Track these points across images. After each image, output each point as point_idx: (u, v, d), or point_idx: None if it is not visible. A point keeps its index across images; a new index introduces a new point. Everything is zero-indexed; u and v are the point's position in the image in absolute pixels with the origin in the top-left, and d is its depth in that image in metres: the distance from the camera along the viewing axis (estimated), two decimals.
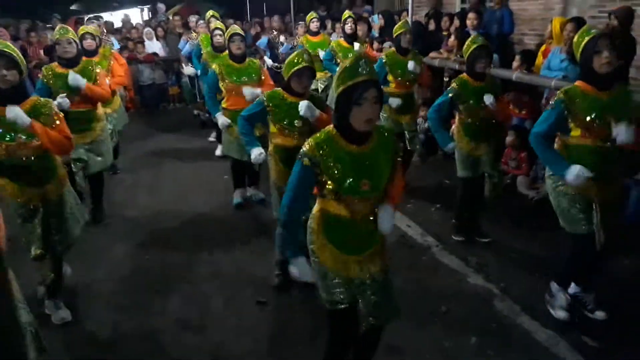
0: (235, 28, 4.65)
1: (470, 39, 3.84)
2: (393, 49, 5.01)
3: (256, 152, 3.36)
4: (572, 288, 3.15)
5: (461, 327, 3.06)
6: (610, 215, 2.86)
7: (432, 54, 6.49)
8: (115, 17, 11.94)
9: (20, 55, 2.96)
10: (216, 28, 5.75)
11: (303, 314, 3.25)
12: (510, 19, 6.40)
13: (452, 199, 4.39)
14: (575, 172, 2.68)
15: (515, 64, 5.18)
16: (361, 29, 7.18)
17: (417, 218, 4.52)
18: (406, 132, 4.99)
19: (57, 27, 4.41)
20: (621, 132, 2.64)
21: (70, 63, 4.15)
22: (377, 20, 8.40)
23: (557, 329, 2.98)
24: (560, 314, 3.08)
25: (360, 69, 1.95)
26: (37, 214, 3.05)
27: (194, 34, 7.95)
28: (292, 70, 3.15)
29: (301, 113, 3.14)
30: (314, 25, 6.76)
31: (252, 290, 3.55)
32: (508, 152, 5.19)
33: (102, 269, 3.87)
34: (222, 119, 4.53)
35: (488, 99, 3.65)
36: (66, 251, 3.26)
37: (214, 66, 4.69)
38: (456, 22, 6.50)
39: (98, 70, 4.33)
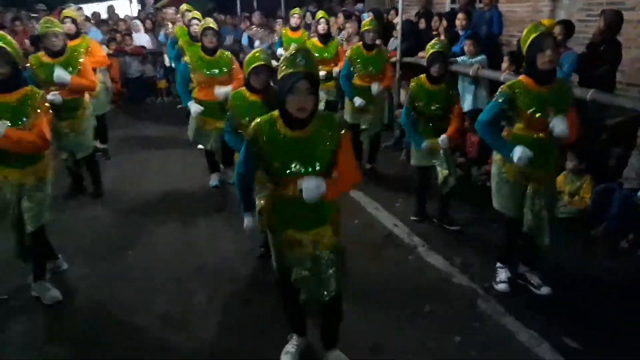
0: (209, 22, 4.72)
1: (430, 43, 4.09)
2: (359, 43, 5.29)
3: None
4: (520, 268, 3.50)
5: (445, 327, 3.07)
6: (542, 202, 3.15)
7: (421, 54, 6.49)
8: (102, 8, 11.75)
9: (15, 47, 3.02)
10: (193, 18, 5.88)
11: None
12: (499, 20, 6.43)
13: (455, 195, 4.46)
14: (518, 152, 2.95)
15: (504, 65, 5.21)
16: (351, 27, 7.19)
17: (405, 218, 4.53)
18: (361, 123, 5.35)
19: (42, 20, 4.46)
20: (557, 124, 2.91)
21: (57, 53, 4.28)
22: (366, 18, 8.38)
23: (540, 330, 2.99)
24: (500, 286, 3.41)
25: (297, 61, 2.11)
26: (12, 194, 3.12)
27: (170, 26, 7.97)
28: (249, 68, 3.29)
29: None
30: (293, 21, 6.84)
31: (236, 287, 3.53)
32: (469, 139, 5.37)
33: (84, 265, 3.82)
34: (194, 107, 4.71)
35: (443, 140, 4.01)
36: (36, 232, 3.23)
37: (185, 58, 4.84)
38: (444, 23, 6.51)
39: (82, 60, 4.43)
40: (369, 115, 5.31)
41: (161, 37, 8.63)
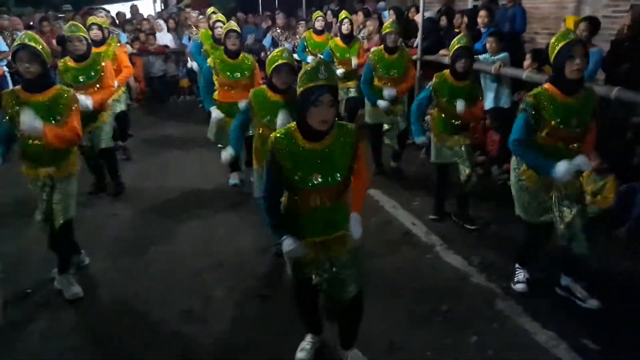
0: (232, 24, 4.73)
1: (456, 38, 4.02)
2: (381, 47, 5.17)
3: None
4: (564, 279, 3.31)
5: (462, 326, 3.06)
6: (573, 210, 3.04)
7: (442, 52, 6.44)
8: (127, 8, 11.95)
9: (44, 46, 3.12)
10: (217, 21, 5.88)
11: None
12: (522, 17, 6.33)
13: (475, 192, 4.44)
14: (563, 169, 2.79)
15: (526, 62, 5.11)
16: (372, 24, 7.17)
17: (423, 216, 4.51)
18: (386, 126, 5.30)
19: (68, 24, 4.67)
20: (583, 164, 2.82)
21: (80, 57, 4.46)
22: (387, 16, 8.35)
23: (558, 330, 2.96)
24: (518, 286, 3.36)
25: (319, 74, 2.12)
26: (45, 187, 3.26)
27: (194, 29, 8.02)
28: (272, 67, 3.27)
29: (278, 125, 3.23)
30: (318, 24, 6.77)
31: (254, 282, 3.57)
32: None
33: (106, 258, 3.92)
34: (215, 113, 4.73)
35: (460, 104, 3.91)
36: (64, 224, 3.33)
37: (209, 61, 4.85)
38: (465, 20, 6.44)
39: (104, 64, 4.59)
40: (391, 116, 5.23)
41: (184, 39, 8.74)
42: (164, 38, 9.59)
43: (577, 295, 3.22)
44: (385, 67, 5.06)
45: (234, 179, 5.34)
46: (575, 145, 2.95)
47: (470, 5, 8.56)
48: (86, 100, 4.26)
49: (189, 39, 8.19)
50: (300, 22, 8.87)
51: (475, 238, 4.13)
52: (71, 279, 3.46)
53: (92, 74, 4.51)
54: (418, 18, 6.61)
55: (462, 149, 4.09)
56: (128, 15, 11.28)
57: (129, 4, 12.78)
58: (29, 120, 2.96)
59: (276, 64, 3.24)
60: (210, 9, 7.15)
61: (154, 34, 9.45)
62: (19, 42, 3.02)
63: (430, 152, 4.38)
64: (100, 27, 5.38)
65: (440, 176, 4.39)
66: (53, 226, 3.31)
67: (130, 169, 5.86)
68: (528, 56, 5.15)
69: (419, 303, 3.28)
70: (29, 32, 3.32)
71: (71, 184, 3.36)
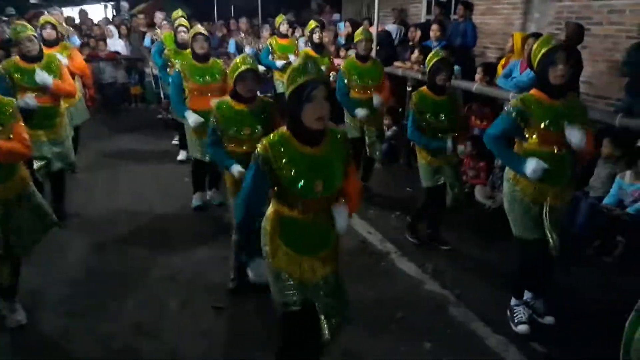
0: (199, 28, 4.59)
1: (432, 52, 3.94)
2: (353, 55, 5.10)
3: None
4: (525, 294, 3.24)
5: (417, 333, 3.10)
6: (559, 220, 2.98)
7: (397, 64, 6.59)
8: (76, 13, 11.59)
9: None
10: (180, 25, 5.72)
11: (260, 320, 3.22)
12: (473, 32, 6.57)
13: (412, 207, 4.47)
14: (532, 165, 2.75)
15: (477, 76, 5.31)
16: (327, 36, 7.25)
17: (378, 225, 4.57)
18: (367, 137, 5.03)
19: (14, 25, 4.34)
20: (574, 135, 2.72)
21: (34, 59, 4.12)
22: (343, 28, 8.48)
23: (507, 335, 3.05)
24: (520, 328, 3.10)
25: (309, 68, 2.01)
26: None
27: (158, 31, 7.84)
28: (235, 75, 3.14)
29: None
30: (283, 28, 6.80)
31: (208, 294, 3.50)
32: (467, 162, 5.31)
33: (55, 272, 3.75)
34: (192, 117, 4.32)
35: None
36: (27, 253, 3.15)
37: (177, 66, 4.65)
38: (418, 33, 6.62)
39: (61, 63, 4.32)
40: (372, 128, 5.01)
41: (146, 41, 8.46)
42: (115, 44, 9.35)
43: (535, 310, 3.20)
44: (359, 75, 4.87)
45: (197, 200, 4.97)
46: (563, 149, 2.85)
47: (423, 19, 8.79)
48: (46, 77, 4.02)
49: (152, 41, 7.94)
50: (265, 25, 8.85)
51: (429, 246, 4.20)
52: (16, 305, 3.18)
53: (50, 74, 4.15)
54: (373, 30, 6.73)
55: (450, 168, 3.96)
56: (77, 21, 10.95)
57: (78, 8, 12.41)
58: None
59: (239, 70, 3.12)
60: (178, 12, 6.99)
61: (104, 40, 9.21)
62: None
63: (420, 173, 4.09)
64: (53, 27, 5.16)
65: (428, 199, 4.12)
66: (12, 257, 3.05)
67: (77, 185, 5.50)
68: (479, 70, 5.35)
69: (374, 310, 3.31)
70: None
71: (28, 202, 3.06)
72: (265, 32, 8.33)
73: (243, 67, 3.12)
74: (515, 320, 3.14)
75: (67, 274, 3.74)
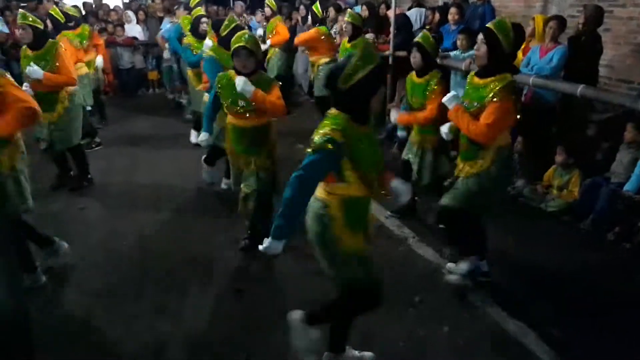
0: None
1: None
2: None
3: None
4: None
5: (434, 317, 3.12)
6: None
7: None
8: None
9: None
10: (202, 15, 5.83)
11: (279, 304, 3.26)
12: (492, 15, 6.44)
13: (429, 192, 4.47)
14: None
15: None
16: (342, 20, 7.18)
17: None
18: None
19: (21, 12, 4.51)
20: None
21: (34, 45, 4.38)
22: (359, 11, 8.39)
23: (527, 320, 3.05)
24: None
25: (375, 54, 2.20)
26: None
27: (174, 18, 7.89)
28: (231, 51, 3.39)
29: (238, 89, 3.32)
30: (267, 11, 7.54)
31: (228, 277, 3.56)
32: None
33: (76, 254, 3.82)
34: (208, 43, 5.06)
35: (393, 114, 4.16)
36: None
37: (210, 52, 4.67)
38: (437, 16, 6.53)
39: (60, 52, 4.41)
40: None
41: (165, 24, 8.48)
42: (133, 30, 9.38)
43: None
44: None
45: (207, 172, 4.99)
46: None
47: (440, 2, 8.67)
48: (36, 71, 4.21)
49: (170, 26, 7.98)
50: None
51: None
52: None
53: (42, 64, 4.34)
54: (390, 14, 6.66)
55: (418, 149, 4.02)
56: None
57: None
58: None
59: (234, 47, 3.34)
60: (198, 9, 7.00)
61: (122, 25, 9.24)
62: None
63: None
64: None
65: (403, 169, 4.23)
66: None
67: (99, 164, 5.70)
68: None
69: (392, 294, 3.30)
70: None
71: (18, 179, 3.16)
72: (260, 15, 8.88)
73: (237, 44, 3.33)
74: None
75: (88, 255, 3.82)
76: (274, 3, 7.66)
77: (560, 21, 4.89)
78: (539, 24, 5.22)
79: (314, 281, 3.45)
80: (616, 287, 3.45)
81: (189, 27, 6.05)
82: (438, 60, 5.57)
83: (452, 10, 6.08)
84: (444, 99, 3.20)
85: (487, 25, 3.01)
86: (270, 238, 2.20)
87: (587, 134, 5.05)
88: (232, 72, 3.48)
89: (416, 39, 3.94)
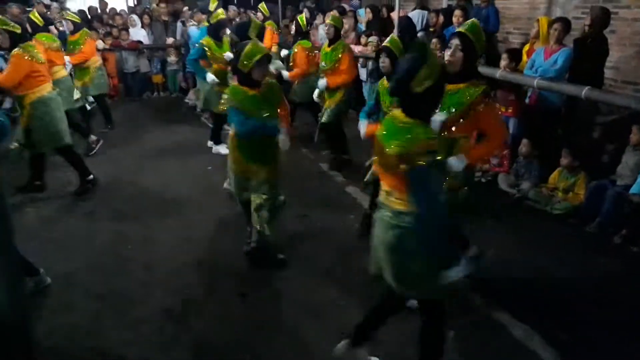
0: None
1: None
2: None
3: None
4: None
5: None
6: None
7: None
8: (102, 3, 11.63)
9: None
10: (225, 24, 6.03)
11: (284, 306, 3.28)
12: (496, 17, 6.47)
13: None
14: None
15: (503, 62, 5.20)
16: (347, 23, 7.21)
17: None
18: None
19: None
20: (450, 165, 2.79)
21: (10, 49, 4.52)
22: (363, 14, 8.42)
23: (532, 323, 3.04)
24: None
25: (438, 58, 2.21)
26: None
27: (195, 23, 8.00)
28: (254, 60, 3.25)
29: (282, 147, 3.53)
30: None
31: (233, 281, 3.56)
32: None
33: (83, 257, 3.85)
34: (210, 78, 5.59)
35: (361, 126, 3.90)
36: None
37: (203, 43, 5.61)
38: (440, 19, 6.54)
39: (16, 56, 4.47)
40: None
41: (191, 29, 8.50)
42: (138, 34, 9.43)
43: None
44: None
45: (223, 149, 5.61)
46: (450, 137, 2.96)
47: (444, 5, 8.67)
48: None
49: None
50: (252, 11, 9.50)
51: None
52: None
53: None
54: (394, 16, 6.67)
55: None
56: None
57: None
58: None
59: (259, 57, 3.25)
60: (214, 1, 7.08)
61: (127, 29, 9.29)
62: None
63: None
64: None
65: None
66: None
67: (105, 167, 5.73)
68: (504, 56, 5.24)
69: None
70: None
71: None
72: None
73: (260, 55, 3.25)
74: None
75: (95, 259, 3.84)
76: (266, 8, 7.68)
77: (565, 23, 4.89)
78: (543, 25, 5.22)
79: (318, 285, 3.47)
80: (623, 290, 3.43)
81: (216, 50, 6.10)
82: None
83: (456, 12, 6.09)
84: (454, 165, 2.83)
85: (459, 30, 2.91)
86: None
87: (593, 136, 5.03)
88: (238, 86, 3.39)
89: (384, 44, 3.91)
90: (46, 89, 4.68)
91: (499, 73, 5.08)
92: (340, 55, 5.26)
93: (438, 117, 3.23)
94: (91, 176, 5.15)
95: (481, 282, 3.47)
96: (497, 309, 3.21)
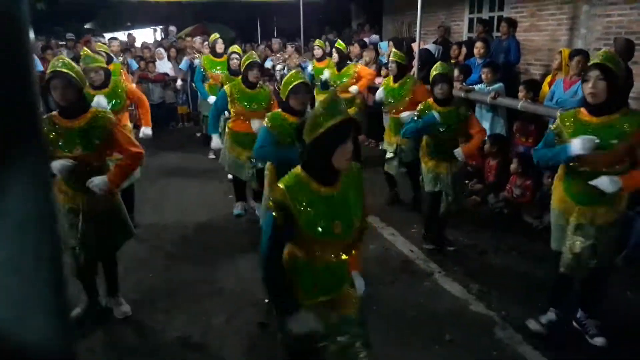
0: (254, 56, 4.80)
1: (435, 66, 4.16)
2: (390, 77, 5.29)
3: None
4: (579, 313, 3.23)
5: (463, 355, 3.06)
6: (589, 241, 2.86)
7: None
8: (131, 37, 12.11)
9: (79, 72, 3.07)
10: (233, 52, 5.94)
11: None
12: (516, 49, 6.49)
13: (455, 225, 4.45)
14: (578, 142, 2.70)
15: (520, 94, 5.23)
16: (368, 55, 7.36)
17: (420, 243, 4.53)
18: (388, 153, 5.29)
19: (83, 54, 4.63)
20: (601, 184, 2.70)
21: (100, 86, 4.45)
22: (386, 48, 8.54)
23: (557, 358, 2.96)
24: (535, 326, 3.22)
25: (340, 107, 1.94)
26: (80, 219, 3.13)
27: (196, 55, 8.16)
28: (289, 88, 3.33)
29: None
30: (317, 52, 7.11)
31: (253, 310, 3.56)
32: (513, 179, 5.22)
33: (102, 285, 3.88)
34: (215, 142, 5.05)
35: (457, 153, 4.05)
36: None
37: (225, 87, 4.86)
38: (463, 51, 6.60)
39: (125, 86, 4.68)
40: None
41: (183, 64, 8.81)
42: (164, 66, 9.72)
43: (587, 331, 3.16)
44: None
45: (238, 209, 5.31)
46: (606, 170, 2.77)
47: (465, 37, 8.76)
48: (101, 102, 4.13)
49: (191, 64, 8.26)
50: (289, 43, 9.46)
51: (473, 266, 4.15)
52: (120, 299, 3.56)
53: (116, 100, 4.49)
54: (415, 47, 6.75)
55: (448, 176, 4.12)
56: (137, 43, 11.47)
57: (127, 32, 12.99)
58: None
59: (294, 84, 3.33)
60: (215, 35, 7.33)
61: (154, 62, 9.59)
62: (51, 69, 2.96)
63: (423, 178, 4.40)
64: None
65: (430, 203, 4.34)
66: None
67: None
68: (521, 87, 5.27)
69: (418, 331, 3.28)
70: (62, 57, 3.24)
71: (116, 210, 3.30)
72: (290, 48, 9.00)
73: (296, 82, 3.32)
74: (541, 319, 3.24)
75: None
76: (323, 43, 7.46)
77: (585, 56, 4.90)
78: (565, 57, 5.22)
79: None
80: None
81: (210, 66, 6.51)
82: (463, 94, 5.64)
83: (478, 44, 6.15)
84: (608, 188, 2.70)
85: (597, 61, 2.77)
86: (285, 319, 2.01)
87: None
88: (280, 111, 3.48)
89: (440, 71, 4.04)
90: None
91: (520, 104, 5.09)
92: (410, 89, 5.09)
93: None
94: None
95: (505, 316, 3.41)
96: (520, 344, 3.14)
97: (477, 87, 5.66)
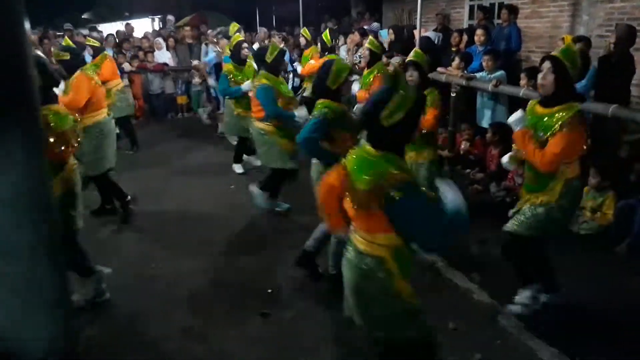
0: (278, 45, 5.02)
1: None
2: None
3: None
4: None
5: (466, 344, 3.05)
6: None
7: (440, 69, 6.52)
8: (123, 27, 12.00)
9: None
10: (242, 41, 6.00)
11: (306, 327, 3.25)
12: (517, 36, 6.44)
13: None
14: (510, 117, 3.04)
15: (521, 81, 5.19)
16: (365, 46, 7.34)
17: None
18: None
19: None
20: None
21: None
22: (386, 36, 8.47)
23: (561, 347, 2.96)
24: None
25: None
26: None
27: (217, 48, 8.14)
28: (343, 76, 3.37)
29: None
30: (302, 41, 7.79)
31: (255, 300, 3.55)
32: (513, 170, 5.19)
33: (106, 276, 3.88)
34: (247, 85, 5.39)
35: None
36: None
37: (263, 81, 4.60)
38: (464, 38, 6.55)
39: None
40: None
41: (210, 56, 8.65)
42: (163, 56, 9.65)
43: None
44: None
45: (239, 168, 6.10)
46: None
47: (465, 25, 8.69)
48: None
49: (217, 57, 8.15)
50: (274, 33, 9.85)
51: (476, 255, 4.14)
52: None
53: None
54: (416, 34, 6.69)
55: (413, 167, 3.92)
56: (135, 34, 11.38)
57: (125, 22, 12.87)
58: None
59: (348, 72, 3.42)
60: (234, 26, 7.21)
61: (152, 52, 9.52)
62: None
63: None
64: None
65: None
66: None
67: (129, 186, 5.79)
68: (523, 75, 5.22)
69: None
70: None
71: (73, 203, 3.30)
72: (276, 38, 9.15)
73: (346, 73, 3.39)
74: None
75: (116, 279, 3.85)
76: (308, 33, 7.61)
77: (587, 42, 4.86)
78: (568, 43, 5.17)
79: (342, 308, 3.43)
80: None
81: (236, 77, 6.20)
82: (464, 82, 5.59)
83: (478, 32, 6.10)
84: (510, 120, 3.05)
85: (552, 54, 2.90)
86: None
87: (620, 154, 4.94)
88: (331, 102, 3.36)
89: (409, 58, 4.01)
90: (102, 114, 4.72)
91: (522, 92, 5.04)
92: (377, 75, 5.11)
93: (504, 158, 3.50)
94: (128, 197, 5.07)
95: (506, 305, 3.41)
96: (523, 332, 3.13)
97: (478, 75, 5.61)
